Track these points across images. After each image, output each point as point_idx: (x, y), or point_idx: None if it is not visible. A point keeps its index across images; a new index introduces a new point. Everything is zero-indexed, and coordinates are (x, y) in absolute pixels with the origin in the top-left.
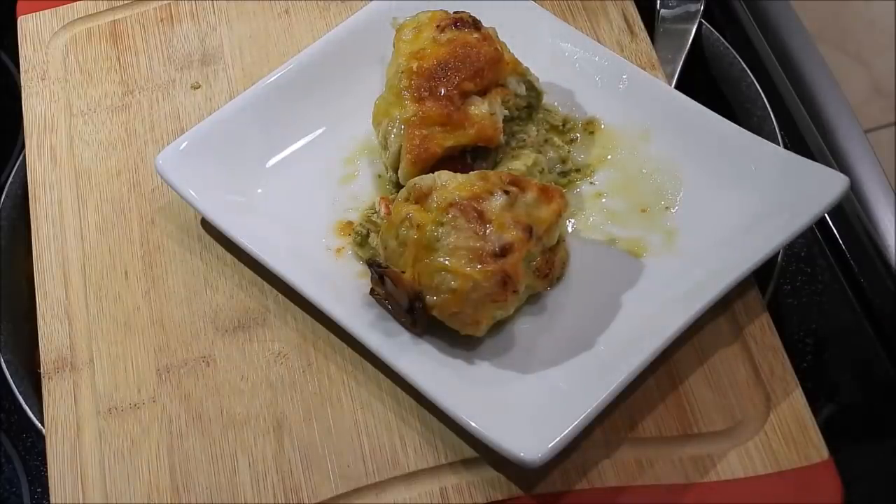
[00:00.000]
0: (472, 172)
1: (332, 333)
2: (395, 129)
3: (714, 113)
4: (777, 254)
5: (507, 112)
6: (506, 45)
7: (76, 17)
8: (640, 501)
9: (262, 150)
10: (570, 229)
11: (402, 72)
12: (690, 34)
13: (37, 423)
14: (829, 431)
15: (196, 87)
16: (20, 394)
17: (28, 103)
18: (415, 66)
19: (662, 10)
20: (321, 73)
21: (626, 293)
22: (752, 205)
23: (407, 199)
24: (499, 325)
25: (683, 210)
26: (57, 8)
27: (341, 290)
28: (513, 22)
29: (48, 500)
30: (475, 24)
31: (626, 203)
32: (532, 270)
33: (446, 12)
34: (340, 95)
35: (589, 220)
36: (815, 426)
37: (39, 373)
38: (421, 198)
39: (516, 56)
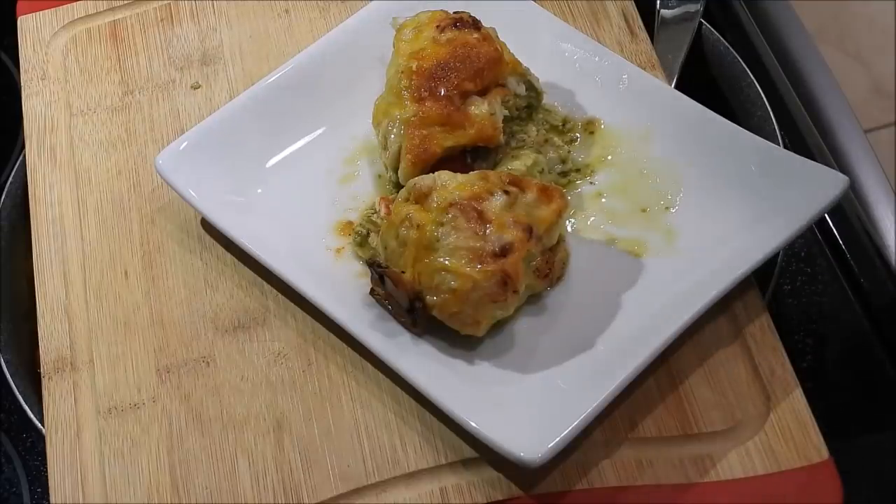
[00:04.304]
0: (472, 172)
1: (332, 333)
2: (395, 129)
3: (714, 113)
4: (777, 254)
5: (507, 112)
6: (506, 45)
7: (76, 17)
8: (640, 501)
9: (262, 150)
10: (570, 229)
11: (402, 72)
12: (690, 34)
13: (37, 423)
14: (829, 431)
15: (196, 87)
16: (20, 394)
17: (28, 103)
18: (415, 66)
19: (662, 10)
20: (321, 73)
21: (626, 293)
22: (752, 205)
23: (407, 199)
24: (499, 325)
25: (683, 210)
26: (57, 8)
27: (341, 290)
28: (513, 22)
29: (48, 500)
30: (475, 24)
31: (626, 203)
32: (532, 270)
33: (446, 12)
34: (340, 95)
35: (589, 220)
36: (815, 426)
37: (39, 373)
38: (421, 198)
39: (516, 56)
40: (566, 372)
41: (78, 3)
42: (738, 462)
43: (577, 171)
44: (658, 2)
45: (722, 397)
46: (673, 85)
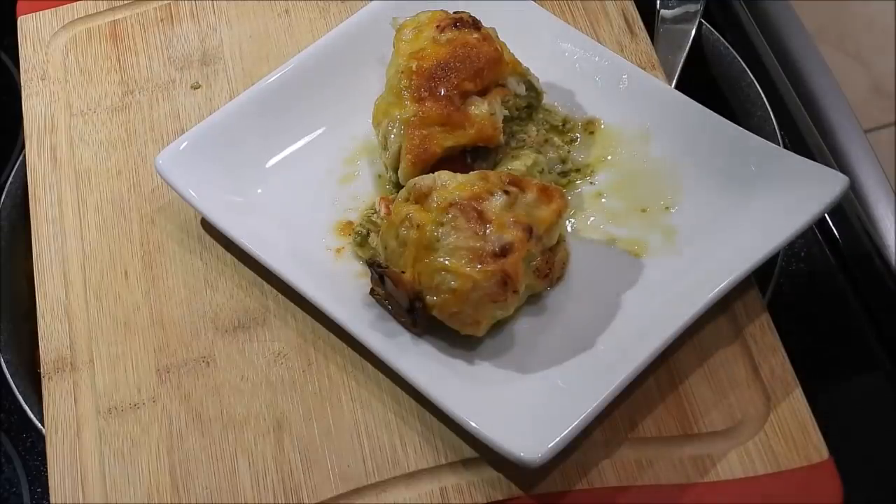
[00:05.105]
0: (472, 172)
1: (332, 333)
2: (395, 129)
3: (714, 113)
4: (777, 254)
5: (507, 112)
6: (506, 45)
7: (76, 17)
8: (640, 501)
9: (262, 150)
10: (570, 229)
11: (402, 72)
12: (690, 34)
13: (37, 423)
14: (829, 431)
15: (196, 87)
16: (20, 394)
17: (28, 103)
18: (415, 66)
19: (662, 10)
20: (321, 73)
21: (626, 293)
22: (752, 205)
23: (407, 199)
24: (499, 325)
25: (683, 210)
26: (57, 8)
27: (341, 290)
28: (513, 22)
29: (48, 500)
30: (475, 24)
31: (626, 203)
32: (532, 270)
33: (446, 12)
34: (340, 95)
35: (589, 220)
36: (815, 426)
37: (39, 373)
38: (421, 198)
39: (516, 56)
40: (566, 372)
41: (78, 3)
42: (738, 462)
43: (577, 171)
44: (658, 2)
45: (722, 397)
46: (673, 85)
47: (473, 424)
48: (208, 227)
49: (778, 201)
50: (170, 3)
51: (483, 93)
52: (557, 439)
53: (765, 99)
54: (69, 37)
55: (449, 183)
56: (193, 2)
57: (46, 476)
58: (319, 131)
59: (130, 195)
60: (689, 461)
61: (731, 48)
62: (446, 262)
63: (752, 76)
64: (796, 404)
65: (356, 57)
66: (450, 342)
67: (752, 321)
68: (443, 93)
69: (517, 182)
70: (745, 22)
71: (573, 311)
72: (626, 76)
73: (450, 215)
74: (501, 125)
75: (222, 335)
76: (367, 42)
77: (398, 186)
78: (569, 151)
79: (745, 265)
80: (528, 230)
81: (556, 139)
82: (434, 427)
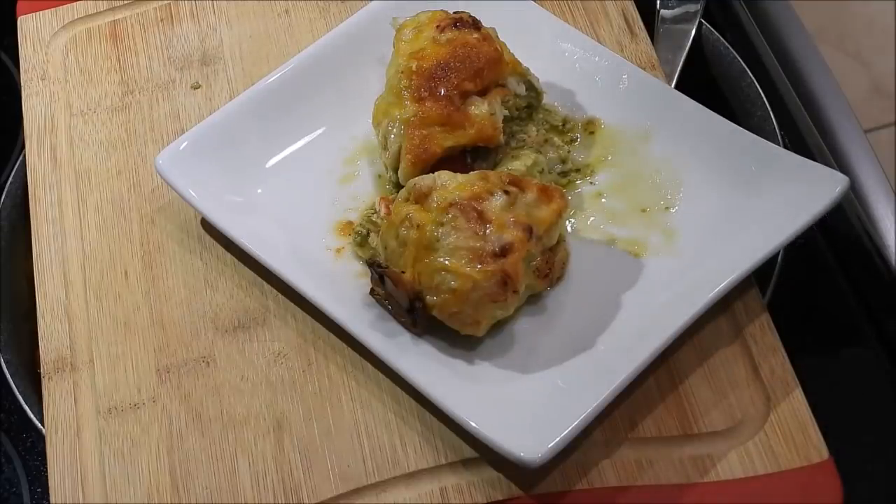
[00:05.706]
0: (472, 172)
1: (332, 333)
2: (395, 129)
3: (714, 113)
4: (777, 254)
5: (507, 112)
6: (506, 45)
7: (76, 17)
8: (640, 501)
9: (262, 150)
10: (569, 229)
11: (402, 72)
12: (690, 34)
13: (37, 423)
14: (829, 431)
15: (196, 87)
16: (20, 394)
17: (28, 103)
18: (415, 66)
19: (662, 10)
20: (321, 73)
21: (626, 293)
22: (752, 204)
23: (407, 199)
24: (499, 325)
25: (683, 210)
26: (57, 8)
27: (341, 290)
28: (513, 22)
29: (48, 500)
30: (475, 24)
31: (626, 203)
32: (532, 270)
33: (446, 12)
34: (340, 95)
35: (589, 220)
36: (815, 426)
37: (39, 373)
38: (421, 198)
39: (516, 56)
40: (566, 372)
41: (78, 3)
42: (738, 462)
43: (577, 171)
44: (658, 2)
45: (722, 397)
46: (673, 85)
47: (473, 424)
48: (208, 227)
49: (778, 201)
50: (170, 3)
51: (483, 93)
52: (557, 439)
53: (765, 99)
54: (69, 37)
55: (449, 183)
56: (193, 2)
57: (46, 476)
58: (319, 131)
59: (130, 195)
60: (689, 461)
61: (731, 48)
62: (446, 262)
63: (752, 76)
64: (796, 404)
65: (356, 57)
66: (450, 342)
67: (752, 321)
68: (443, 93)
69: (517, 182)
70: (745, 22)
71: (573, 311)
72: (626, 76)
73: (450, 215)
74: (501, 125)
75: (222, 335)
76: (367, 42)
77: (398, 186)
78: (569, 151)
79: (745, 265)
80: (528, 230)
81: (556, 139)
82: (434, 427)
